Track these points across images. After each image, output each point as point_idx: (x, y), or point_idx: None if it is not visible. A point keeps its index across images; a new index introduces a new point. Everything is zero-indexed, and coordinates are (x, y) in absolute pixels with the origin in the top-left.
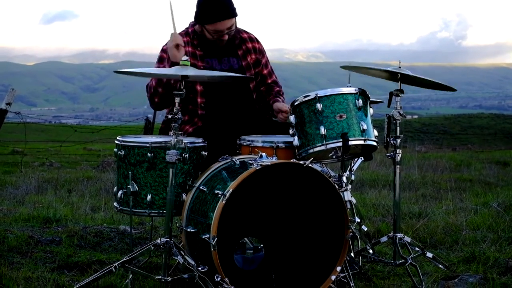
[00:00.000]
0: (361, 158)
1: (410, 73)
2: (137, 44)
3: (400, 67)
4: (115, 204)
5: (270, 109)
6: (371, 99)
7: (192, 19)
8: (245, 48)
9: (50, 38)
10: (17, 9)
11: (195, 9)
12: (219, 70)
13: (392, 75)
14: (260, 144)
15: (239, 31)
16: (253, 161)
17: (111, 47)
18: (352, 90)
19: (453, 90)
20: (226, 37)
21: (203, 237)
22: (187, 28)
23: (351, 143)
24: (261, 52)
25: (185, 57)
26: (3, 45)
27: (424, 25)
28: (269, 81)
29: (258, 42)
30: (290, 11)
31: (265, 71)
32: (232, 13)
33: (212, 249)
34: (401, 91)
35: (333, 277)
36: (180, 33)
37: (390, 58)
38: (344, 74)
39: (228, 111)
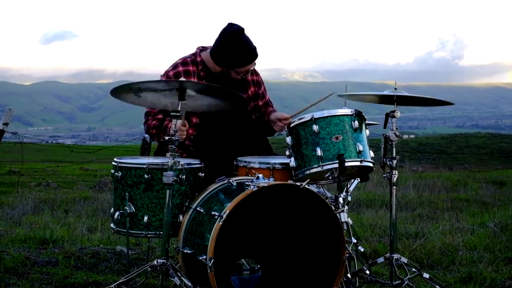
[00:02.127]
0: (357, 179)
1: (407, 94)
2: (134, 64)
3: (396, 88)
4: (111, 225)
5: (268, 126)
6: (366, 121)
7: (199, 45)
8: (246, 81)
9: (48, 58)
10: (17, 29)
11: (216, 49)
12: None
13: (388, 98)
14: (256, 166)
15: None
16: (250, 183)
17: (109, 67)
18: (348, 111)
19: (451, 104)
20: (248, 75)
21: (200, 258)
22: (194, 55)
23: (347, 164)
24: (258, 83)
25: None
26: (0, 65)
27: (421, 45)
28: (263, 109)
29: (257, 74)
30: (287, 31)
31: (260, 103)
32: (257, 54)
33: (209, 270)
34: (397, 112)
35: None
36: (186, 60)
37: (387, 78)
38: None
39: (223, 137)
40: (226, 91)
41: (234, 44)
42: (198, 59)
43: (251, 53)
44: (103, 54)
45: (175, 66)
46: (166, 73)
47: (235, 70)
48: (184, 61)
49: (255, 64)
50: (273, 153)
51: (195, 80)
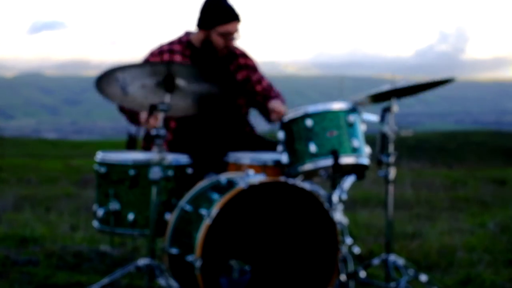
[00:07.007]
0: (352, 176)
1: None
2: (122, 55)
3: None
4: (95, 223)
5: (267, 113)
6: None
7: (186, 29)
8: (236, 64)
9: (33, 49)
10: (5, 21)
11: (198, 15)
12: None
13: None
14: (248, 162)
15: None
16: (240, 180)
17: (95, 58)
18: (343, 106)
19: (451, 81)
20: (232, 42)
21: (187, 259)
22: (179, 37)
23: (342, 161)
24: (253, 68)
25: None
26: None
27: (422, 38)
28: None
29: (250, 58)
30: (283, 23)
31: (259, 88)
32: (239, 16)
33: (197, 272)
34: (394, 107)
35: None
36: (172, 41)
37: (386, 71)
38: (336, 87)
39: (212, 132)
40: (216, 73)
41: (214, 2)
42: (183, 39)
43: (231, 10)
44: (90, 44)
45: (160, 46)
46: (151, 52)
47: (217, 30)
48: (169, 42)
49: (237, 34)
50: (268, 144)
51: (179, 58)
